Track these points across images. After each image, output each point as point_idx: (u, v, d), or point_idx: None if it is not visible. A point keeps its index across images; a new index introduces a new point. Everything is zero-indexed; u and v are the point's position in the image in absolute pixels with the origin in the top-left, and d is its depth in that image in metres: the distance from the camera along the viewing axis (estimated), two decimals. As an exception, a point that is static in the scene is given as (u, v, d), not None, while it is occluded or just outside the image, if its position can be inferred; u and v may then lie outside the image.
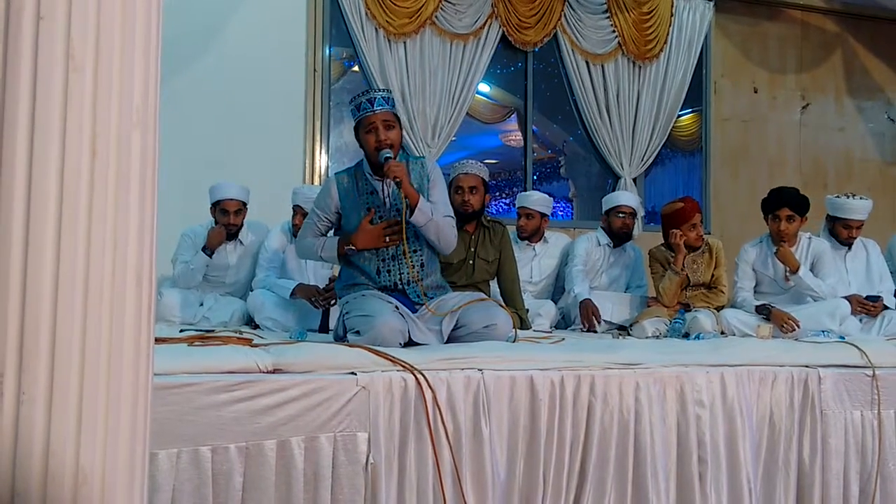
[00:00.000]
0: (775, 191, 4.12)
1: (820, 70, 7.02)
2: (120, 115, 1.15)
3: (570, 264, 4.54)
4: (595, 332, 4.10)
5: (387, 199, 3.09)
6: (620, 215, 4.59)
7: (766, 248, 4.13)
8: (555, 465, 2.49)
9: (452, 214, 3.20)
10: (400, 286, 3.08)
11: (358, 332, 2.81)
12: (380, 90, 3.14)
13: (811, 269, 4.03)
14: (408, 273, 3.07)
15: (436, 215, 3.06)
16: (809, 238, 4.14)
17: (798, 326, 3.71)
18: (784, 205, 4.01)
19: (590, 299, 4.22)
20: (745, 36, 6.79)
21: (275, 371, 2.28)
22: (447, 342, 2.94)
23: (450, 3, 5.79)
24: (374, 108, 3.02)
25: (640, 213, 6.19)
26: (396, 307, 2.90)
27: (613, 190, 6.09)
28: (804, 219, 4.06)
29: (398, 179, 2.94)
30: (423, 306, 3.03)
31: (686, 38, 6.46)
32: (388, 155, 2.99)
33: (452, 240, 3.16)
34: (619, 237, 4.61)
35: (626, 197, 4.76)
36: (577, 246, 4.58)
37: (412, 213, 2.98)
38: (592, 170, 6.62)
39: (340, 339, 3.01)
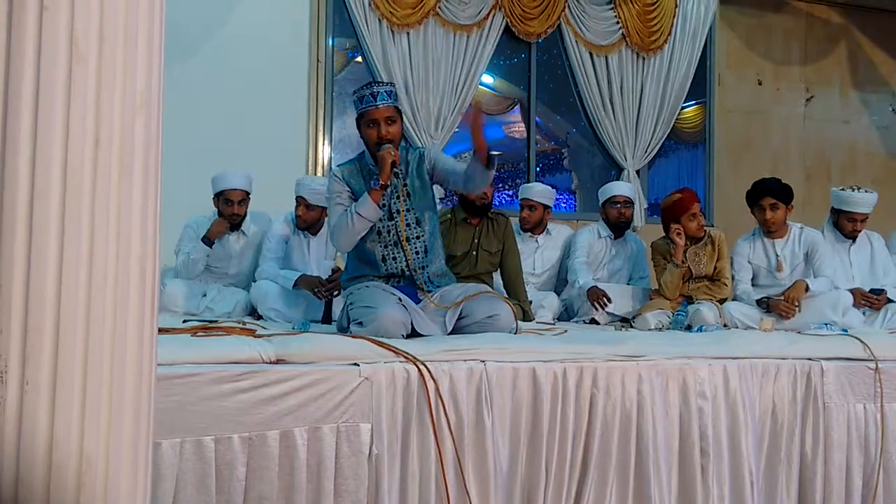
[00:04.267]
0: (757, 182, 4.17)
1: (825, 62, 6.99)
2: (123, 103, 1.15)
3: (572, 257, 4.54)
4: (606, 307, 4.11)
5: (390, 190, 3.12)
6: (616, 205, 4.60)
7: (757, 240, 4.16)
8: (557, 456, 2.49)
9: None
10: (407, 273, 3.11)
11: (361, 324, 2.82)
12: (383, 84, 3.17)
13: (805, 260, 4.04)
14: (414, 258, 3.11)
15: (458, 166, 3.14)
16: (801, 228, 4.15)
17: (796, 307, 3.74)
18: (766, 194, 4.05)
19: (596, 286, 4.24)
20: (750, 28, 6.76)
21: (278, 361, 2.29)
22: (451, 331, 2.95)
23: (453, -7, 5.77)
24: (377, 102, 3.06)
25: (643, 204, 6.19)
26: (400, 299, 2.91)
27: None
28: (790, 207, 4.07)
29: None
30: (427, 297, 3.05)
31: (690, 29, 6.43)
32: (394, 164, 3.03)
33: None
34: (617, 227, 4.61)
35: (620, 186, 4.77)
36: (579, 238, 4.59)
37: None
38: (595, 162, 6.61)
39: (344, 329, 3.02)
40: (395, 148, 3.04)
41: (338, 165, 3.28)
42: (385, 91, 3.09)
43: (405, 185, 3.12)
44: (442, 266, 3.25)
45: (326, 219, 4.33)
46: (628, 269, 4.66)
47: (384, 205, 3.10)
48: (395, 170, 3.02)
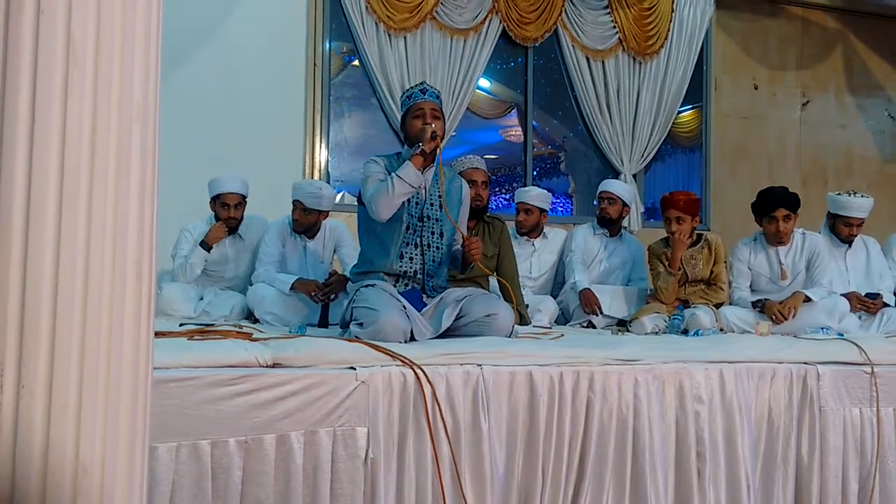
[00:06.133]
0: (766, 192, 4.05)
1: (820, 67, 7.01)
2: (120, 108, 1.15)
3: (570, 254, 4.57)
4: (597, 315, 4.14)
5: (424, 189, 3.18)
6: (602, 200, 4.65)
7: (759, 246, 4.12)
8: (553, 460, 2.49)
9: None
10: (419, 275, 3.16)
11: (361, 324, 2.83)
12: (433, 87, 3.29)
13: (807, 267, 4.01)
14: (429, 264, 3.18)
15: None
16: (804, 234, 4.10)
17: (787, 316, 3.72)
18: (780, 205, 3.95)
19: (590, 289, 4.25)
20: (746, 32, 6.78)
21: (274, 365, 2.28)
22: (449, 332, 2.96)
23: (450, -2, 5.78)
24: (426, 96, 3.19)
25: (640, 208, 6.19)
26: (404, 307, 2.91)
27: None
28: (796, 216, 4.04)
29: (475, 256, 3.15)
30: (429, 301, 3.10)
31: (687, 34, 6.45)
32: (435, 135, 3.05)
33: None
34: (604, 223, 4.63)
35: (609, 183, 4.83)
36: (575, 236, 4.64)
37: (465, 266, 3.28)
38: (592, 166, 6.62)
39: (345, 325, 3.03)
40: (439, 143, 3.08)
41: (376, 156, 3.31)
42: (434, 92, 3.23)
43: (440, 195, 3.18)
44: (444, 280, 3.33)
45: (324, 221, 4.34)
46: (626, 270, 4.67)
47: (418, 203, 3.15)
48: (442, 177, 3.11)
